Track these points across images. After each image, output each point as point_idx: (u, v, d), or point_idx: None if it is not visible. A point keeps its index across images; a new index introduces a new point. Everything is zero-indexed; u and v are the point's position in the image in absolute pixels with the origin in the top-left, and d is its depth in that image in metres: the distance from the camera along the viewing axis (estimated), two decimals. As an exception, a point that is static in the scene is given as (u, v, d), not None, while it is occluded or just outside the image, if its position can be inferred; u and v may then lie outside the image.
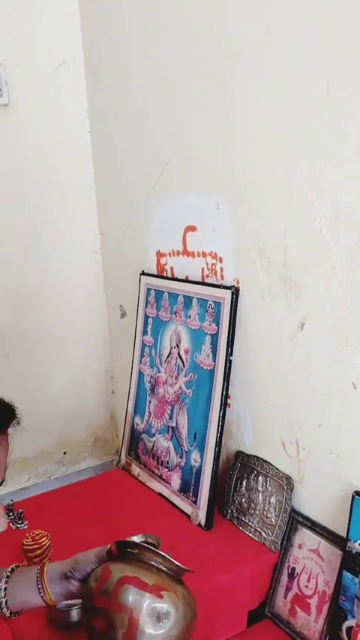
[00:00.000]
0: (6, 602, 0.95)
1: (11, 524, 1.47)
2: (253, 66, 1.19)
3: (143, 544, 0.94)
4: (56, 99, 1.76)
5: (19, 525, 1.46)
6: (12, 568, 1.00)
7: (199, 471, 1.43)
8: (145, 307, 1.68)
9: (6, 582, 0.97)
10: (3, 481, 0.98)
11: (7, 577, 0.98)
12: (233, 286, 1.36)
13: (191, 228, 1.48)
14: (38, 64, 1.71)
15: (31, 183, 1.76)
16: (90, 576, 0.94)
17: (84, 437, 2.04)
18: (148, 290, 1.67)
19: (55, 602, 0.97)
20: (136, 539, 0.98)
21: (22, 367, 1.86)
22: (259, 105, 1.19)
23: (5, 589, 0.96)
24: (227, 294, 1.36)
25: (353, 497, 1.11)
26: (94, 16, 1.68)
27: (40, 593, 0.96)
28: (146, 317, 1.68)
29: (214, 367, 1.41)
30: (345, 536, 1.13)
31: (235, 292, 1.35)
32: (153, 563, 0.92)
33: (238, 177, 1.29)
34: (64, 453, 2.01)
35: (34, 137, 1.74)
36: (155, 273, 1.66)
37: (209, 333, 1.42)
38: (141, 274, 1.70)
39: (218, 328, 1.40)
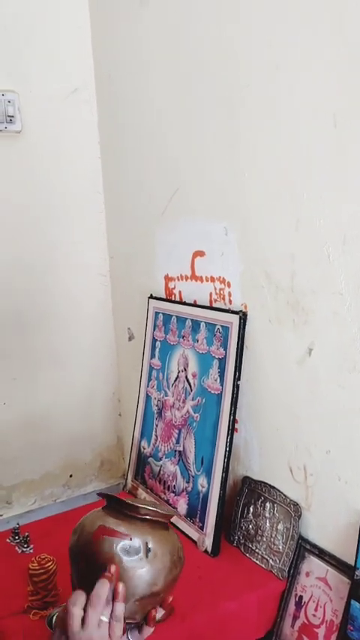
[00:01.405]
0: None
1: (17, 549, 1.46)
2: (261, 97, 1.22)
3: (123, 499, 0.97)
4: (68, 125, 1.80)
5: (24, 549, 1.45)
6: None
7: (206, 497, 1.42)
8: (153, 331, 1.69)
9: None
10: None
11: None
12: (241, 311, 1.37)
13: (200, 253, 1.49)
14: (51, 92, 1.75)
15: (43, 208, 1.79)
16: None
17: (90, 459, 2.04)
18: (157, 314, 1.68)
19: None
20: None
21: (29, 389, 1.87)
22: (267, 134, 1.22)
23: None
24: (235, 319, 1.37)
25: (362, 524, 1.10)
26: (106, 45, 1.73)
27: None
28: (154, 340, 1.69)
29: (221, 391, 1.41)
30: (353, 564, 1.12)
31: (243, 317, 1.36)
32: (128, 512, 0.94)
33: (246, 204, 1.31)
34: (70, 476, 2.00)
35: (47, 163, 1.78)
36: (164, 296, 1.68)
37: (217, 357, 1.43)
38: (149, 298, 1.71)
39: (226, 352, 1.40)
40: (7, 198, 1.73)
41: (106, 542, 0.90)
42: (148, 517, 0.94)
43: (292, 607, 1.27)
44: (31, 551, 1.45)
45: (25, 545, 1.46)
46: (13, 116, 1.67)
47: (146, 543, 0.91)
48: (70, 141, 1.81)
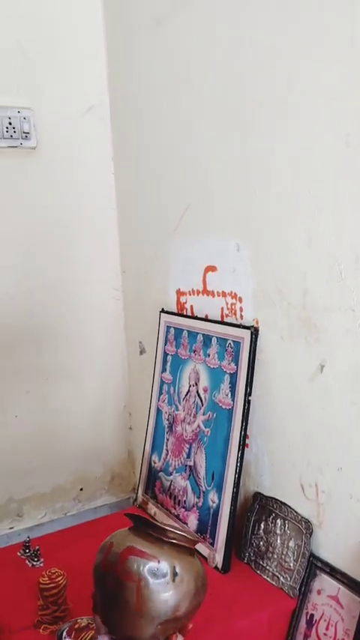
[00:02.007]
0: None
1: (27, 562, 1.47)
2: (274, 116, 1.23)
3: (151, 520, 0.99)
4: (82, 142, 1.82)
5: (35, 563, 1.45)
6: None
7: (216, 512, 1.42)
8: (165, 345, 1.70)
9: None
10: None
11: None
12: (253, 326, 1.37)
13: (211, 269, 1.51)
14: (66, 109, 1.78)
15: (56, 222, 1.82)
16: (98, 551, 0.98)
17: (101, 473, 2.04)
18: (168, 328, 1.69)
19: None
20: None
21: (41, 403, 1.88)
22: (279, 153, 1.23)
23: None
24: (247, 334, 1.38)
25: (374, 543, 1.10)
26: (121, 64, 1.76)
27: None
28: (165, 354, 1.70)
29: (232, 406, 1.41)
30: (365, 583, 1.11)
31: (255, 332, 1.36)
32: (155, 534, 0.95)
33: (258, 221, 1.32)
34: (81, 490, 2.00)
35: (61, 178, 1.80)
36: (175, 311, 1.69)
37: (228, 372, 1.43)
38: (161, 312, 1.72)
39: (237, 368, 1.41)
40: (22, 214, 1.76)
41: (134, 563, 0.91)
42: (175, 541, 0.95)
43: (303, 626, 1.26)
44: (42, 564, 1.45)
45: (36, 559, 1.46)
46: (28, 132, 1.70)
47: (174, 567, 0.92)
48: (85, 157, 1.84)
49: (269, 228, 1.29)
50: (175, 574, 0.91)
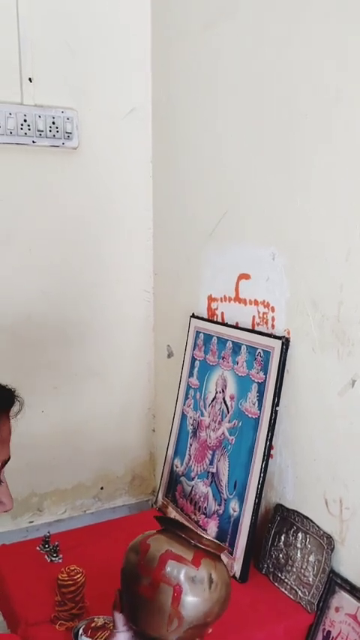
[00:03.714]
0: None
1: (46, 557, 1.48)
2: (318, 126, 1.22)
3: (182, 522, 1.00)
4: (123, 144, 1.84)
5: (53, 559, 1.47)
6: None
7: (237, 521, 1.41)
8: (193, 350, 1.70)
9: None
10: (9, 459, 0.99)
11: None
12: (284, 336, 1.36)
13: (245, 276, 1.50)
14: (108, 111, 1.80)
15: (94, 222, 1.84)
16: (129, 549, 1.01)
17: (122, 474, 2.05)
18: (197, 333, 1.69)
19: None
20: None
21: (68, 399, 1.90)
22: (321, 163, 1.22)
23: None
24: (277, 344, 1.37)
25: None
26: (165, 68, 1.77)
27: None
28: (193, 359, 1.70)
29: (259, 416, 1.40)
30: (386, 604, 1.09)
31: (286, 343, 1.35)
32: (188, 539, 0.96)
33: (296, 231, 1.31)
34: (102, 488, 2.02)
35: (100, 179, 1.82)
36: (206, 316, 1.69)
37: (256, 381, 1.43)
38: (191, 317, 1.73)
39: (266, 377, 1.40)
40: (62, 212, 1.78)
41: (174, 568, 0.92)
42: (208, 548, 0.97)
43: (319, 642, 1.24)
44: (60, 561, 1.46)
45: (55, 555, 1.47)
46: (71, 133, 1.73)
47: (210, 574, 0.93)
48: (124, 159, 1.85)
49: (307, 239, 1.28)
50: (211, 581, 0.93)
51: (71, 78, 1.73)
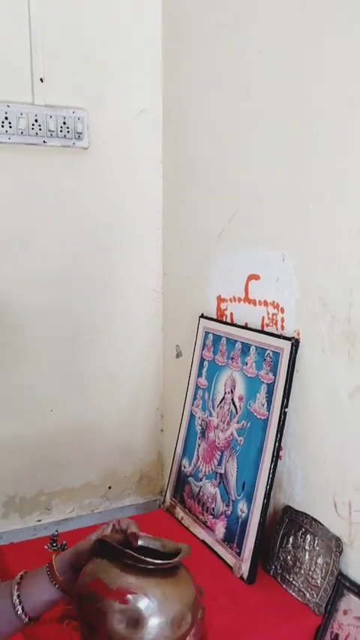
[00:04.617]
0: (22, 608, 0.94)
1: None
2: (332, 132, 1.22)
3: (117, 545, 0.91)
4: (133, 144, 1.84)
5: (61, 557, 1.47)
6: (21, 575, 1.00)
7: (245, 522, 1.41)
8: (202, 350, 1.70)
9: (18, 589, 0.96)
10: None
11: (18, 583, 0.97)
12: (294, 337, 1.36)
13: (254, 277, 1.50)
14: (119, 112, 1.80)
15: (104, 222, 1.84)
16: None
17: (130, 473, 2.05)
18: (206, 333, 1.69)
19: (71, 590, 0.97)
20: (142, 542, 0.96)
21: (77, 400, 1.90)
22: (335, 168, 1.22)
23: (19, 595, 0.95)
24: (287, 345, 1.36)
25: None
26: (177, 69, 1.77)
27: (54, 585, 0.97)
28: (202, 360, 1.70)
29: (268, 417, 1.40)
30: (395, 608, 1.09)
31: (295, 344, 1.35)
32: (127, 561, 0.89)
33: (307, 236, 1.30)
34: (109, 488, 2.02)
35: (110, 179, 1.82)
36: (215, 317, 1.68)
37: (265, 382, 1.42)
38: (200, 317, 1.72)
39: (275, 378, 1.39)
40: (72, 212, 1.78)
41: (98, 601, 0.86)
42: (152, 567, 0.89)
43: (327, 645, 1.24)
44: (68, 560, 1.46)
45: (63, 553, 1.47)
46: (81, 133, 1.73)
47: (142, 609, 0.84)
48: (134, 159, 1.86)
49: (318, 243, 1.28)
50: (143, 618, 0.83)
51: (82, 78, 1.73)
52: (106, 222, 1.85)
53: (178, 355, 1.93)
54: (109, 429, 1.98)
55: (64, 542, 1.50)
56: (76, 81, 1.73)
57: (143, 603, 0.86)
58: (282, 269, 1.39)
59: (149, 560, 0.89)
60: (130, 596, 0.86)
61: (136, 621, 0.85)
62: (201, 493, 1.61)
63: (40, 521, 1.91)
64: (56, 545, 1.51)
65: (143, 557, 0.89)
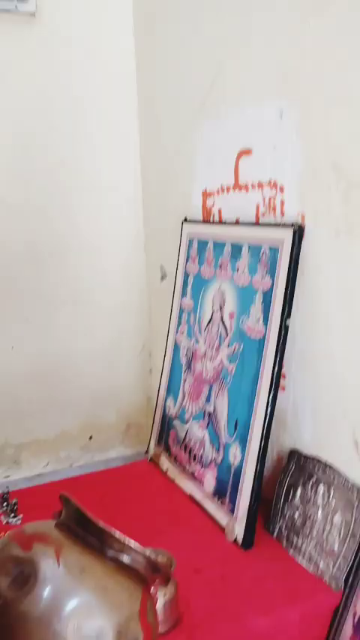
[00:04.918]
0: None
1: (2, 518, 1.19)
2: None
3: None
4: (97, 9, 1.46)
5: (10, 520, 1.17)
6: None
7: (238, 471, 1.08)
8: (186, 263, 1.35)
9: None
10: None
11: None
12: (296, 223, 1.00)
13: (246, 152, 1.13)
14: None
15: (64, 114, 1.48)
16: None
17: (114, 421, 1.74)
18: (190, 241, 1.34)
19: None
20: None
21: (44, 333, 1.58)
22: None
23: None
24: (288, 235, 1.01)
25: None
26: None
27: None
28: (186, 275, 1.35)
29: (264, 335, 1.05)
30: None
31: (299, 231, 0.99)
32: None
33: (308, 75, 0.93)
34: (90, 438, 1.72)
35: (68, 57, 1.45)
36: (201, 219, 1.33)
37: (261, 289, 1.07)
38: (183, 222, 1.37)
39: (273, 282, 1.04)
40: (19, 100, 1.43)
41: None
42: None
43: (348, 630, 0.92)
44: (19, 522, 1.17)
45: (13, 515, 1.18)
46: (26, -7, 1.35)
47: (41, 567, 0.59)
48: (99, 30, 1.47)
49: (323, 78, 0.90)
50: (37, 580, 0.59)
51: None
52: (68, 113, 1.48)
53: (163, 277, 1.58)
54: (88, 370, 1.67)
55: (15, 500, 1.20)
56: None
57: (47, 563, 0.60)
58: (280, 131, 1.02)
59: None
60: (37, 546, 0.61)
61: (26, 579, 0.59)
62: (187, 438, 1.28)
63: (8, 477, 1.62)
64: (6, 506, 1.21)
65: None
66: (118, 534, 0.65)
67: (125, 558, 0.65)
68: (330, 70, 0.89)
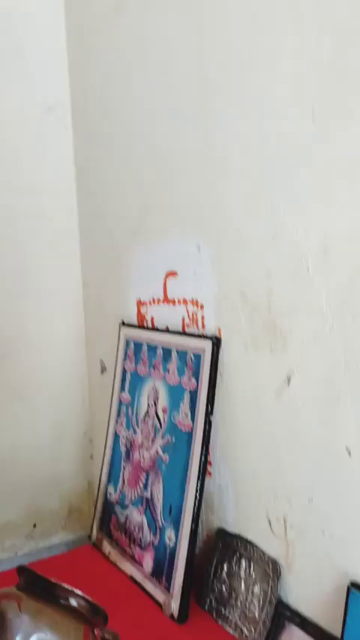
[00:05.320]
0: None
1: None
2: (230, 102, 1.10)
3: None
4: (42, 144, 1.69)
5: None
6: None
7: (173, 552, 1.23)
8: (124, 361, 1.54)
9: None
10: None
11: None
12: (214, 336, 1.21)
13: (172, 274, 1.35)
14: (25, 109, 1.65)
15: (11, 229, 1.67)
16: None
17: (57, 507, 1.84)
18: (127, 342, 1.53)
19: None
20: None
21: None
22: (239, 139, 1.10)
23: None
24: (208, 345, 1.22)
25: (349, 589, 0.91)
26: (80, 59, 1.64)
27: None
28: (124, 372, 1.53)
29: (192, 428, 1.24)
30: (340, 636, 0.92)
31: (216, 342, 1.20)
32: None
33: (219, 217, 1.18)
34: (34, 526, 1.80)
35: (17, 181, 1.66)
36: (136, 323, 1.53)
37: (188, 389, 1.27)
38: (121, 325, 1.56)
39: (198, 384, 1.24)
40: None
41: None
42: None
43: None
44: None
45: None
46: (-19, 131, 1.57)
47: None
48: (44, 159, 1.70)
49: (232, 224, 1.15)
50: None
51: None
52: (15, 226, 1.67)
53: (103, 370, 1.75)
54: (31, 459, 1.77)
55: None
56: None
57: (13, 611, 0.80)
58: (198, 261, 1.25)
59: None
60: (4, 601, 0.81)
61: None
62: (127, 522, 1.42)
63: None
64: None
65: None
66: (65, 585, 0.82)
67: (72, 602, 0.85)
68: (235, 217, 1.14)
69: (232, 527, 1.22)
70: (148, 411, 1.41)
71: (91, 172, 1.67)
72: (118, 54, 1.46)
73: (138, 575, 1.33)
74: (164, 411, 1.34)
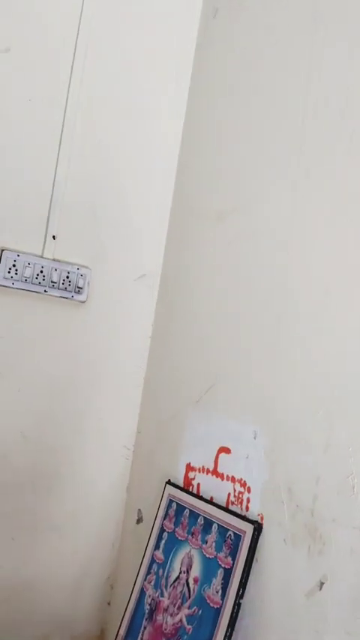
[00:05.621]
0: None
1: None
2: (307, 310, 1.31)
3: None
4: (129, 304, 1.94)
5: None
6: None
7: None
8: (164, 519, 1.63)
9: None
10: None
11: None
12: (257, 521, 1.31)
13: (225, 450, 1.49)
14: (120, 273, 1.92)
15: (87, 373, 1.87)
16: None
17: (65, 650, 1.84)
18: (170, 502, 1.63)
19: None
20: None
21: (24, 554, 1.77)
22: (306, 351, 1.28)
23: None
24: (249, 528, 1.31)
25: None
26: (178, 246, 1.93)
27: None
28: (162, 530, 1.62)
29: (221, 606, 1.30)
30: None
31: (258, 528, 1.30)
32: None
33: (280, 413, 1.33)
34: (41, 667, 1.80)
35: (103, 334, 1.89)
36: (182, 485, 1.64)
37: (223, 565, 1.34)
38: (167, 483, 1.68)
39: (233, 563, 1.32)
40: (58, 358, 1.82)
41: None
42: None
43: None
44: None
45: None
46: (82, 288, 1.83)
47: None
48: (128, 318, 1.94)
49: (290, 423, 1.30)
50: None
51: (90, 238, 1.87)
52: (90, 374, 1.88)
53: (139, 521, 1.84)
54: (52, 595, 1.82)
55: None
56: (84, 245, 1.85)
57: None
58: (253, 446, 1.39)
59: None
60: None
61: None
62: None
63: None
64: None
65: None
66: None
67: None
68: (294, 417, 1.29)
69: None
70: (179, 577, 1.47)
71: (165, 337, 1.89)
72: (214, 269, 1.73)
73: None
74: (195, 581, 1.41)
